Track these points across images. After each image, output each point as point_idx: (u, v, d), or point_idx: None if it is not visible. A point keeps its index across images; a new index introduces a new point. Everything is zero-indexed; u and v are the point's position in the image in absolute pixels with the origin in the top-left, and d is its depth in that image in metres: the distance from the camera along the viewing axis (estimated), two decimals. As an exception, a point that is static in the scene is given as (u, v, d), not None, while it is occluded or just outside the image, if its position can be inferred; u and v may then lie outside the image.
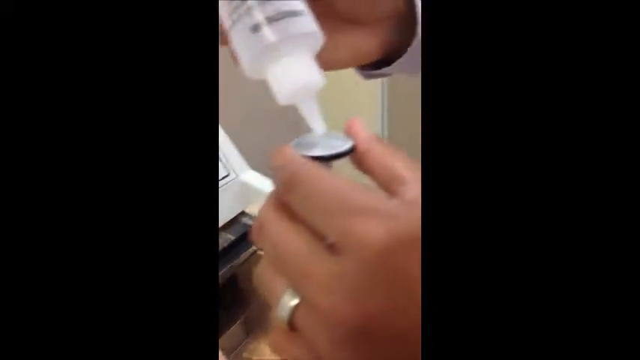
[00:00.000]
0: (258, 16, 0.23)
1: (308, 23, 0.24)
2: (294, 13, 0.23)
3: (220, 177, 0.61)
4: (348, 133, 0.24)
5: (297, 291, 0.20)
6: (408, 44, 0.30)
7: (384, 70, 0.33)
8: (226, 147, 0.65)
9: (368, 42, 0.30)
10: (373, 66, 0.33)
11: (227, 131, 0.66)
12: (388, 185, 0.21)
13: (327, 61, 0.26)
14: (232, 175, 0.63)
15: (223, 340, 0.56)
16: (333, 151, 0.23)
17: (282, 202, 0.21)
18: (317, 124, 0.24)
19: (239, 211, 0.64)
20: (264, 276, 0.21)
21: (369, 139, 0.23)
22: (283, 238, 0.20)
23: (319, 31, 0.24)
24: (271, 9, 0.23)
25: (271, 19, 0.23)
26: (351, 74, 0.36)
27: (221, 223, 0.61)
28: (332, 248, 0.19)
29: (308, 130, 0.25)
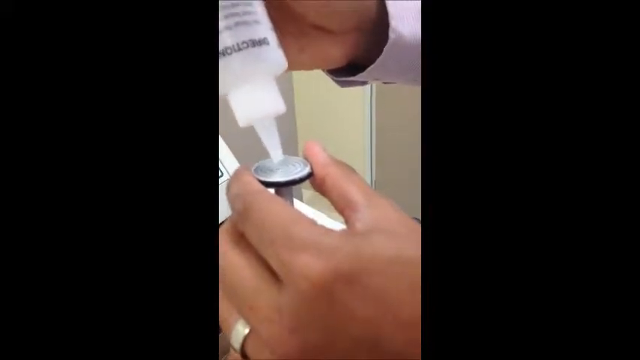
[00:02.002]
0: (228, 40, 0.23)
1: (274, 52, 0.24)
2: (260, 42, 0.24)
3: (214, 177, 0.61)
4: (306, 157, 0.24)
5: (246, 321, 0.21)
6: (380, 50, 0.30)
7: (358, 76, 0.33)
8: (220, 148, 0.65)
9: (335, 49, 0.30)
10: (347, 71, 0.33)
11: (220, 132, 0.66)
12: (343, 211, 0.22)
13: (291, 63, 0.26)
14: (226, 176, 0.63)
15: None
16: (291, 177, 0.24)
17: (238, 231, 0.22)
18: (275, 150, 0.25)
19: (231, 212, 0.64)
20: (220, 305, 0.22)
21: (326, 163, 0.24)
22: (233, 267, 0.21)
23: (284, 60, 0.25)
24: (240, 36, 0.23)
25: (239, 47, 0.23)
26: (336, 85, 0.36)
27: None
28: (277, 279, 0.20)
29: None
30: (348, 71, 0.33)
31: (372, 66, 0.31)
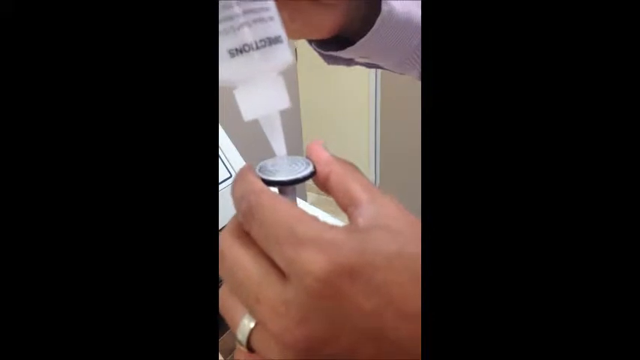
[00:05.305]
0: (248, 38, 0.23)
1: (286, 50, 0.24)
2: (276, 40, 0.24)
3: (222, 179, 0.61)
4: (309, 156, 0.25)
5: (252, 315, 0.21)
6: (371, 24, 0.30)
7: (347, 50, 0.33)
8: (228, 149, 0.65)
9: (326, 18, 0.30)
10: (335, 46, 0.33)
11: (229, 133, 0.66)
12: (346, 207, 0.22)
13: None
14: (234, 177, 0.63)
15: (220, 342, 0.56)
16: (294, 176, 0.24)
17: (243, 230, 0.22)
18: (278, 145, 0.25)
19: (240, 212, 0.64)
20: (225, 302, 0.22)
21: (329, 162, 0.24)
22: (239, 264, 0.21)
23: (292, 57, 0.25)
24: (259, 34, 0.23)
25: (257, 45, 0.23)
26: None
27: (222, 224, 0.61)
28: (283, 275, 0.20)
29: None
30: (336, 45, 0.33)
31: (363, 39, 0.31)
